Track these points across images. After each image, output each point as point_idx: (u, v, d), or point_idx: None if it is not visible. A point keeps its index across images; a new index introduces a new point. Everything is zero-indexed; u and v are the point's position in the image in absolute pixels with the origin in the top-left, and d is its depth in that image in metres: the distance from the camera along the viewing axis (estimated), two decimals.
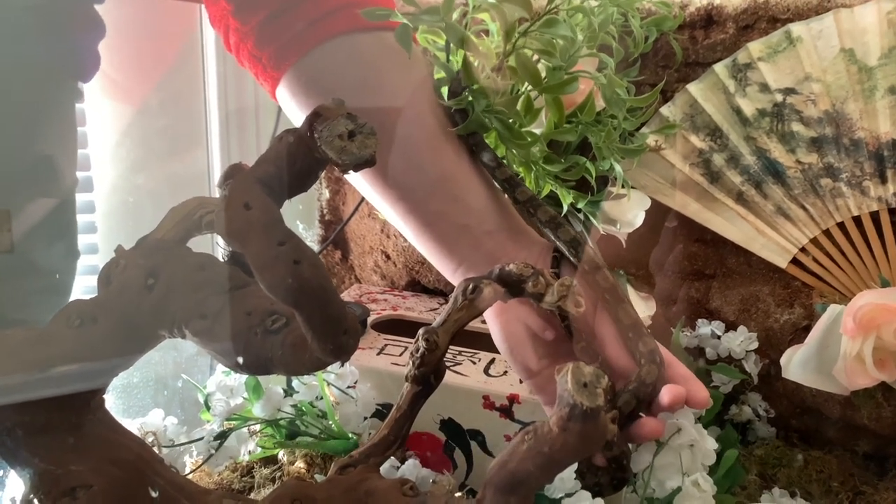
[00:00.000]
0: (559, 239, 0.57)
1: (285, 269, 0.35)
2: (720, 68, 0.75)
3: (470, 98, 0.58)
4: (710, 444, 0.55)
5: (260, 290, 0.43)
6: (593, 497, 0.50)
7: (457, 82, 0.59)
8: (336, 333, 0.37)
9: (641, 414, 0.51)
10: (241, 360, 0.41)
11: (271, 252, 0.36)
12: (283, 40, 0.57)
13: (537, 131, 0.63)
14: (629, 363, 0.54)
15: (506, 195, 0.61)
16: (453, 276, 0.60)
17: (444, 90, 0.60)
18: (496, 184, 0.61)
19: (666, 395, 0.50)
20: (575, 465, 0.51)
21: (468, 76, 0.58)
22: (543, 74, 0.59)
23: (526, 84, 0.61)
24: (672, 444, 0.54)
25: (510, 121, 0.60)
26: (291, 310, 0.39)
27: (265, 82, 0.61)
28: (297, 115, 0.60)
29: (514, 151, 0.62)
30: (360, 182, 0.61)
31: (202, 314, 0.42)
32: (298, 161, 0.38)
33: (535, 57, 0.60)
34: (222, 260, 0.47)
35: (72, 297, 0.60)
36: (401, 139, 0.57)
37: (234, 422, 0.67)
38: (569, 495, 0.50)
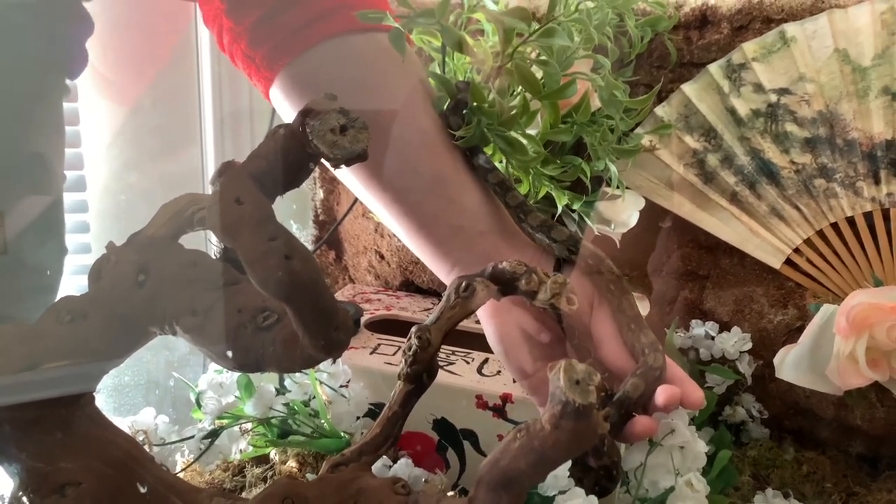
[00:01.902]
0: (554, 241, 0.57)
1: (276, 264, 0.35)
2: (714, 69, 0.75)
3: (474, 118, 0.58)
4: (700, 446, 0.55)
5: (252, 288, 0.42)
6: (599, 497, 0.49)
7: (460, 100, 0.59)
8: (327, 329, 0.37)
9: (634, 413, 0.51)
10: (231, 356, 0.41)
11: (262, 247, 0.36)
12: (277, 40, 0.57)
13: (532, 132, 0.63)
14: (627, 362, 0.54)
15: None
16: (447, 278, 0.60)
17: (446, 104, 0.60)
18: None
19: (661, 395, 0.50)
20: (569, 463, 0.50)
21: (475, 95, 0.58)
22: (540, 76, 0.59)
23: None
24: (664, 443, 0.54)
25: (511, 133, 0.60)
26: (283, 307, 0.39)
27: (258, 83, 0.61)
28: (290, 116, 0.59)
29: (514, 162, 0.62)
30: (353, 183, 0.61)
31: (193, 310, 0.42)
32: (290, 156, 0.38)
33: (533, 55, 0.60)
34: (214, 257, 0.47)
35: (61, 295, 0.60)
36: (395, 140, 0.57)
37: (225, 420, 0.67)
38: (562, 493, 0.49)
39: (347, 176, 0.60)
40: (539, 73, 0.59)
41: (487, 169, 0.59)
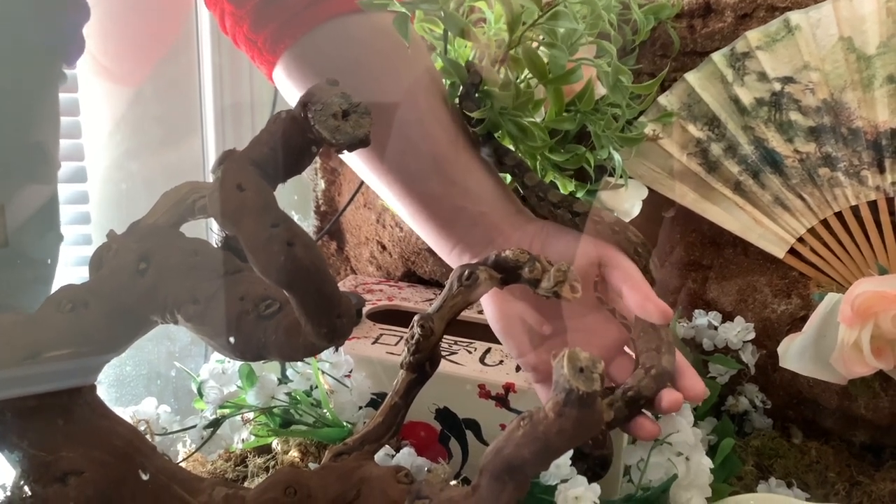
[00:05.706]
0: (576, 214, 0.57)
1: (279, 251, 0.35)
2: (718, 57, 0.74)
3: (488, 103, 0.58)
4: (706, 462, 0.55)
5: (253, 276, 0.42)
6: (589, 482, 0.50)
7: (471, 83, 0.58)
8: (330, 316, 0.37)
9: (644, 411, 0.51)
10: (233, 344, 0.40)
11: (264, 234, 0.35)
12: (279, 23, 0.57)
13: (537, 119, 0.63)
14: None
15: (511, 179, 0.61)
16: (449, 257, 0.60)
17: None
18: (498, 168, 0.61)
19: (664, 400, 0.50)
20: (570, 452, 0.50)
21: (487, 79, 0.58)
22: (545, 60, 0.59)
23: (526, 71, 0.61)
24: (670, 441, 0.54)
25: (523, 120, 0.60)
26: (285, 295, 0.39)
27: (261, 65, 0.61)
28: (294, 98, 0.60)
29: (521, 148, 0.62)
30: (356, 164, 0.61)
31: (195, 299, 0.42)
32: (292, 142, 0.37)
33: (536, 43, 0.60)
34: (215, 245, 0.46)
35: (57, 285, 0.59)
36: (398, 122, 0.57)
37: (227, 410, 0.67)
38: (564, 481, 0.49)
39: (351, 158, 0.61)
40: (545, 58, 0.59)
41: (501, 153, 0.59)
